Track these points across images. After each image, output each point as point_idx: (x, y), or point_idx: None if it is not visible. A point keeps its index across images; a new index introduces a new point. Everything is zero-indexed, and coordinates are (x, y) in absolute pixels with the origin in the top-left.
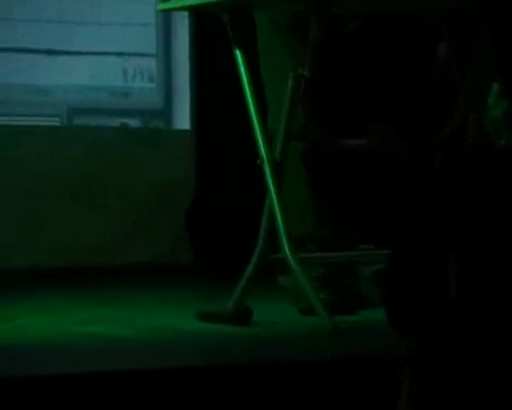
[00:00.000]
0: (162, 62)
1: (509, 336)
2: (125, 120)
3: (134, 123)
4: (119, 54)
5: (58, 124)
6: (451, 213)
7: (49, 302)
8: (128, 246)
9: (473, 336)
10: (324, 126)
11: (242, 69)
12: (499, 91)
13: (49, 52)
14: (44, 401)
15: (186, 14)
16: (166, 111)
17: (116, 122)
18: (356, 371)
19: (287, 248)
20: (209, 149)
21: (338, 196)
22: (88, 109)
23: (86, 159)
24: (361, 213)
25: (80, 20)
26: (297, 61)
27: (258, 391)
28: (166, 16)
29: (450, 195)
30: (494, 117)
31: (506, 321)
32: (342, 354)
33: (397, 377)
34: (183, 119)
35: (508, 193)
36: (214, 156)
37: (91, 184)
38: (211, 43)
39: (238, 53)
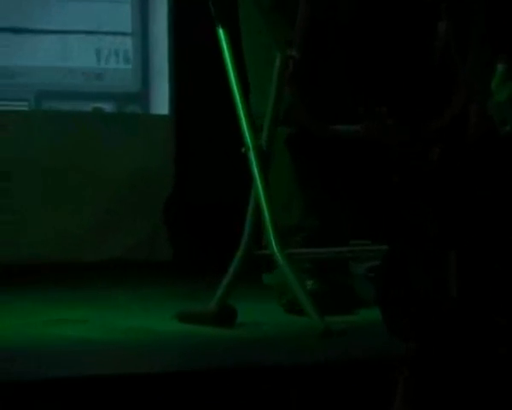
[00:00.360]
0: (139, 42)
1: (509, 336)
2: (99, 105)
3: (108, 107)
4: (92, 32)
5: (26, 108)
6: (452, 206)
7: (18, 302)
8: (102, 240)
9: (473, 336)
10: (314, 110)
11: (226, 49)
12: (504, 73)
13: (16, 31)
14: (11, 406)
15: None
16: (143, 94)
17: (89, 106)
18: (349, 374)
19: (274, 244)
20: (190, 135)
21: (327, 182)
22: (58, 93)
23: (56, 146)
24: (353, 204)
25: None
26: (280, 42)
27: (243, 397)
28: None
29: (451, 187)
30: (498, 101)
31: (506, 321)
32: (334, 357)
33: (393, 380)
34: (161, 103)
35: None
36: (195, 143)
37: (62, 175)
38: (191, 20)
39: (221, 31)
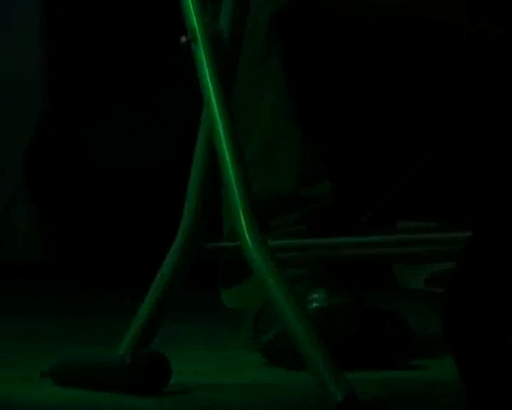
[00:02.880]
0: None
1: None
2: None
3: None
4: None
5: None
6: None
7: None
8: None
9: None
10: None
11: None
12: None
13: None
14: None
15: None
16: None
17: None
18: None
19: (246, 230)
20: (72, 13)
21: (350, 104)
22: None
23: None
24: (403, 148)
25: None
26: None
27: None
28: None
29: None
30: None
31: None
32: None
33: None
34: None
35: None
36: (84, 29)
37: None
38: None
39: None
